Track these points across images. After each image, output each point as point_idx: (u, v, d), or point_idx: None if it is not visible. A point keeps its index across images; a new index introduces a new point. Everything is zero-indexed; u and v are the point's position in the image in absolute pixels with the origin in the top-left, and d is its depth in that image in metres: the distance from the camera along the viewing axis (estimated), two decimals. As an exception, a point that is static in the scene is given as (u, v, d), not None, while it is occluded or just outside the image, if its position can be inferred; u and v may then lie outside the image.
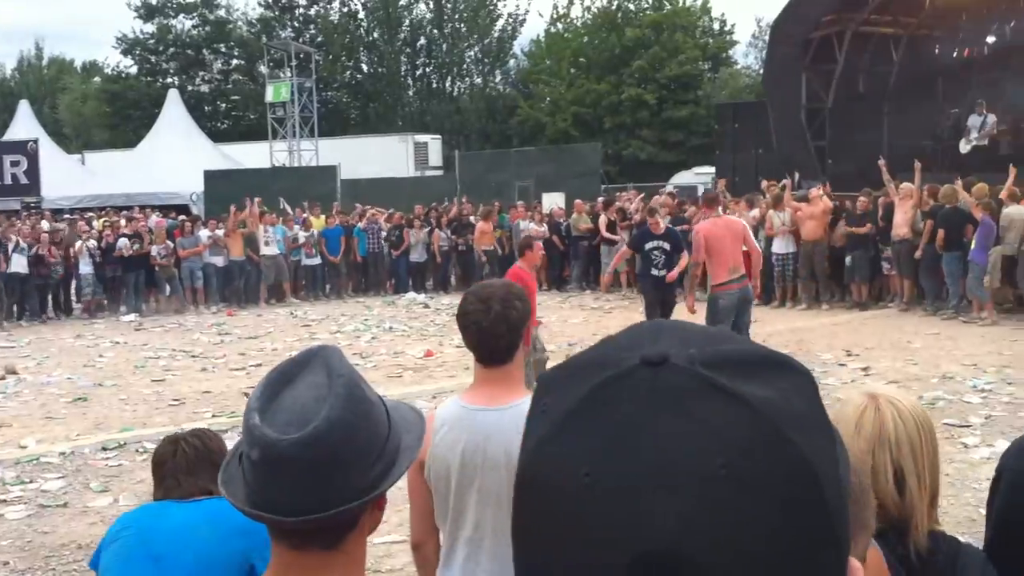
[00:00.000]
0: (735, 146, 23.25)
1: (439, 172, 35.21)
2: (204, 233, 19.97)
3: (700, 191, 25.80)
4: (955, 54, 23.07)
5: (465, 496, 3.05)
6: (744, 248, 10.01)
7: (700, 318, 9.66)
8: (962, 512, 6.47)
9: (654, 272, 11.68)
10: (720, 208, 10.44)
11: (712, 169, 26.41)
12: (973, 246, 14.33)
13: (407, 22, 47.80)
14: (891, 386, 2.35)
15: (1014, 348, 12.34)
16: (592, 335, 14.82)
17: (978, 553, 2.24)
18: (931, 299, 15.67)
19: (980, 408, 9.40)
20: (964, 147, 20.10)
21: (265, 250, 20.24)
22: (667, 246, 11.60)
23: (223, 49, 50.45)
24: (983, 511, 6.70)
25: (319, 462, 1.41)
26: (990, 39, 22.36)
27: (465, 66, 48.83)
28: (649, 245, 11.70)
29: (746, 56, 47.92)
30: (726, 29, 44.61)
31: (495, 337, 2.99)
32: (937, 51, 22.80)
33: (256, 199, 20.80)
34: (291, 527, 1.46)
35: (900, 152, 21.81)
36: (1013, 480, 2.16)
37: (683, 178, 32.28)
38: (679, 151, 39.70)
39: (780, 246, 16.91)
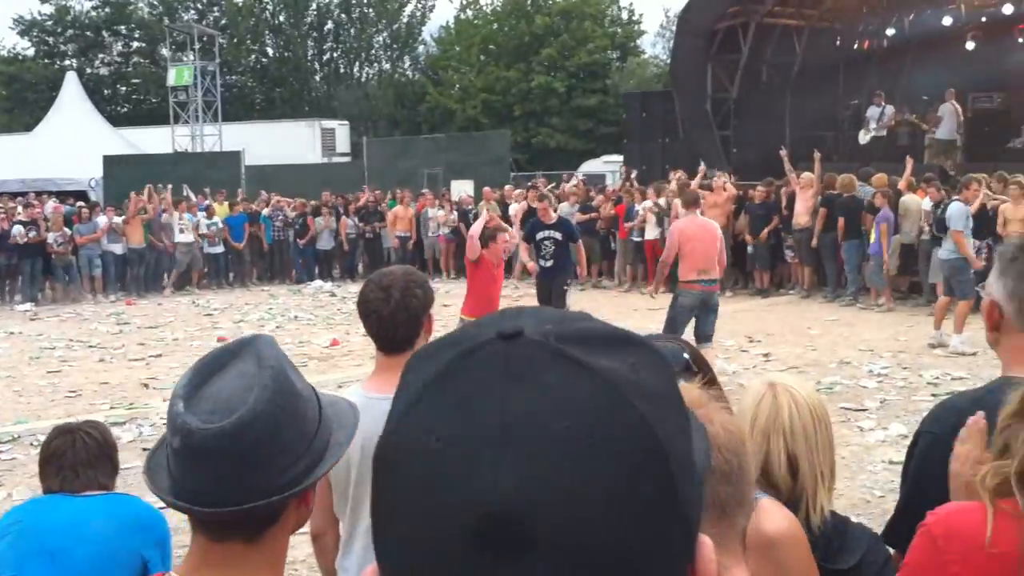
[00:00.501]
0: (643, 135, 23.44)
1: (347, 159, 34.80)
2: (102, 220, 19.42)
3: (609, 179, 26.02)
4: (855, 46, 23.63)
5: (364, 487, 3.00)
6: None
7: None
8: (857, 494, 6.62)
9: (541, 263, 11.26)
10: (697, 211, 10.19)
11: (621, 157, 26.60)
12: (873, 236, 14.66)
13: (314, 6, 47.10)
14: (790, 374, 2.41)
15: (909, 334, 12.69)
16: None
17: (867, 531, 2.35)
18: (831, 286, 16.03)
19: (876, 392, 9.64)
20: (863, 138, 20.61)
21: (180, 237, 19.84)
22: (558, 236, 11.25)
23: (123, 31, 49.07)
24: (878, 492, 6.87)
25: (241, 453, 1.38)
26: (889, 32, 22.96)
27: (373, 51, 48.37)
28: (540, 235, 11.32)
29: (654, 46, 48.40)
30: (634, 19, 45.00)
31: (395, 325, 2.97)
32: (838, 43, 23.30)
33: (169, 186, 20.38)
34: (208, 518, 1.42)
35: (802, 142, 22.26)
36: (928, 442, 2.24)
37: (592, 166, 32.47)
38: (588, 139, 39.94)
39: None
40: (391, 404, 0.74)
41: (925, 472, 2.20)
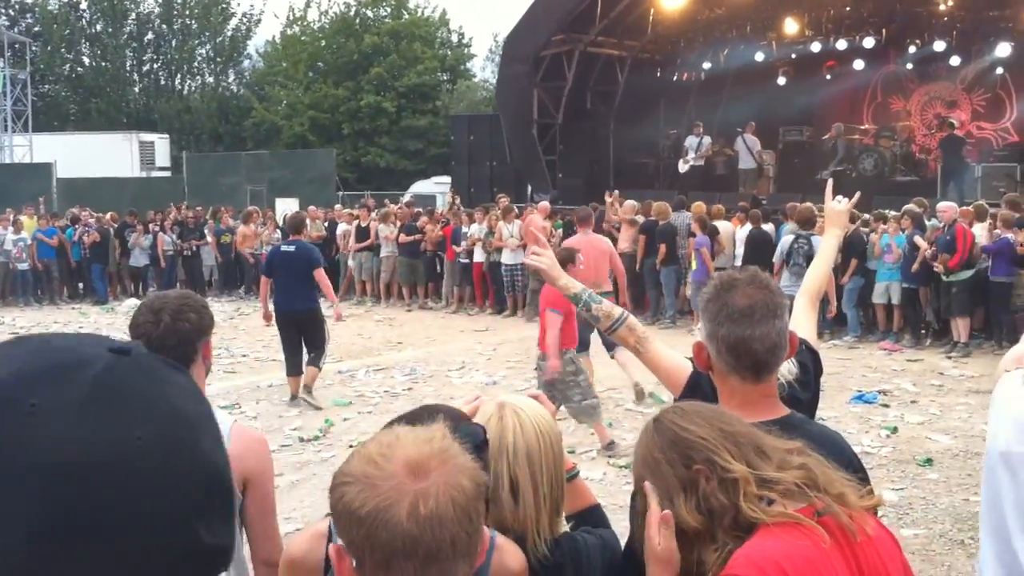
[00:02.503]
0: (470, 158, 23.59)
1: (167, 173, 33.64)
2: None
3: (439, 201, 26.01)
4: (675, 77, 24.43)
5: None
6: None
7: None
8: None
9: None
10: (590, 228, 10.61)
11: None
12: (694, 265, 15.11)
13: (133, 15, 45.42)
14: (523, 396, 2.36)
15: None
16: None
17: (599, 548, 2.28)
18: (652, 309, 16.44)
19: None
20: (682, 167, 21.33)
21: None
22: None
23: (-75, 33, 46.10)
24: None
25: None
26: (706, 65, 23.85)
27: (196, 64, 46.93)
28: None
29: (483, 70, 48.85)
30: (464, 42, 45.29)
31: (164, 350, 2.82)
32: (659, 74, 24.06)
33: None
34: None
35: (625, 168, 22.93)
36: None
37: (423, 187, 32.41)
38: (418, 160, 39.87)
39: (509, 257, 17.11)
40: None
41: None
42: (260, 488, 2.98)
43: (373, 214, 19.74)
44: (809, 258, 10.78)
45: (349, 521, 1.35)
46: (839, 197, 3.61)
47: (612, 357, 10.10)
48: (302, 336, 10.51)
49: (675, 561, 1.84)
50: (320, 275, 10.44)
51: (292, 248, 10.47)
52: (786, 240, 11.20)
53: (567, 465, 2.36)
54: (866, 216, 14.82)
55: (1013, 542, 2.35)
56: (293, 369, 10.54)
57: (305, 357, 10.55)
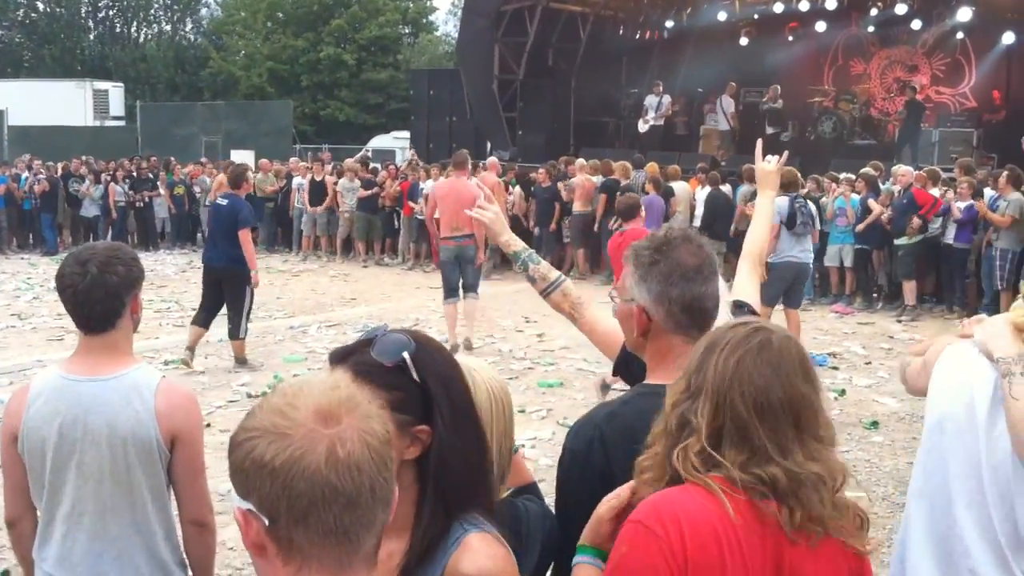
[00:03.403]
0: (430, 113, 23.37)
1: (121, 123, 33.04)
2: None
3: (399, 155, 25.80)
4: (638, 36, 24.25)
5: (63, 471, 2.85)
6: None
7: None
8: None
9: None
10: (464, 174, 10.86)
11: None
12: (643, 223, 15.04)
13: (89, -40, 44.48)
14: (474, 358, 2.38)
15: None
16: (276, 298, 14.41)
17: (540, 516, 2.27)
18: (608, 270, 16.38)
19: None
20: (642, 126, 21.22)
21: None
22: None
23: None
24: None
25: None
26: (669, 24, 23.67)
27: (153, 12, 46.04)
28: None
29: (446, 23, 48.34)
30: (426, -6, 44.80)
31: (90, 302, 2.81)
32: (621, 32, 23.85)
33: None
34: None
35: (586, 127, 22.81)
36: (569, 459, 2.23)
37: (382, 141, 32.15)
38: (378, 114, 39.52)
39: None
40: None
41: (567, 488, 2.19)
42: (189, 446, 2.93)
43: (328, 167, 19.49)
44: (811, 218, 10.75)
45: (260, 476, 1.29)
46: (768, 157, 3.55)
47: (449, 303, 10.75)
48: (223, 294, 10.05)
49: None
50: (244, 236, 9.81)
51: (225, 202, 10.08)
52: (782, 201, 10.76)
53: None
54: (822, 179, 14.86)
55: (953, 509, 2.34)
56: (199, 319, 10.04)
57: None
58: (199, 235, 20.62)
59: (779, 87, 20.77)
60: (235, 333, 10.12)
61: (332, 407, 1.32)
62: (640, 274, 2.28)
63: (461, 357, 2.28)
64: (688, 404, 1.86)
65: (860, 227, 13.76)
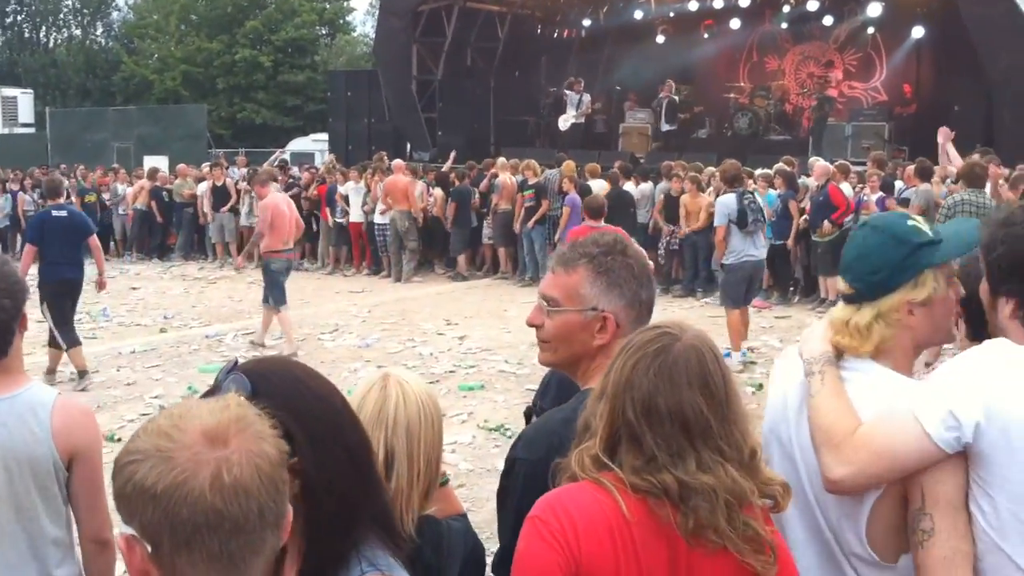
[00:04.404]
0: (348, 115, 23.13)
1: (31, 130, 32.19)
2: None
3: (318, 158, 25.50)
4: (556, 35, 24.30)
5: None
6: None
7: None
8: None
9: None
10: (274, 187, 11.92)
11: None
12: (563, 222, 15.01)
13: (-6, -37, 43.24)
14: (405, 368, 2.30)
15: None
16: (191, 307, 14.11)
17: (461, 534, 2.25)
18: (531, 269, 16.32)
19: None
20: (563, 124, 21.27)
21: None
22: None
23: None
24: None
25: None
26: (586, 22, 23.78)
27: (62, 16, 44.93)
28: None
29: (364, 24, 47.94)
30: (342, -5, 44.39)
31: None
32: (539, 31, 23.88)
33: None
34: None
35: (506, 126, 22.79)
36: (526, 471, 2.14)
37: (301, 144, 31.80)
38: (297, 116, 39.09)
39: (380, 218, 16.77)
40: None
41: (528, 501, 2.04)
42: (88, 463, 2.84)
43: (232, 170, 19.10)
44: (761, 213, 10.48)
45: (142, 501, 1.23)
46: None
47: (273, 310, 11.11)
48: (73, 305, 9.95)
49: None
50: (95, 242, 10.00)
51: (64, 213, 9.80)
52: (728, 199, 10.09)
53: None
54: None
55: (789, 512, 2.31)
56: (73, 340, 9.82)
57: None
58: (112, 243, 20.15)
59: (673, 83, 20.97)
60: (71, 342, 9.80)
61: (220, 428, 1.27)
62: (608, 280, 2.23)
63: (396, 369, 2.30)
64: (593, 407, 1.87)
65: (790, 240, 13.84)
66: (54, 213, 9.84)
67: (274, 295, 11.11)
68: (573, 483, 1.83)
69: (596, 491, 1.79)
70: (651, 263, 2.31)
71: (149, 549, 1.25)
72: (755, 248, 10.35)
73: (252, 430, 1.30)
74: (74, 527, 2.90)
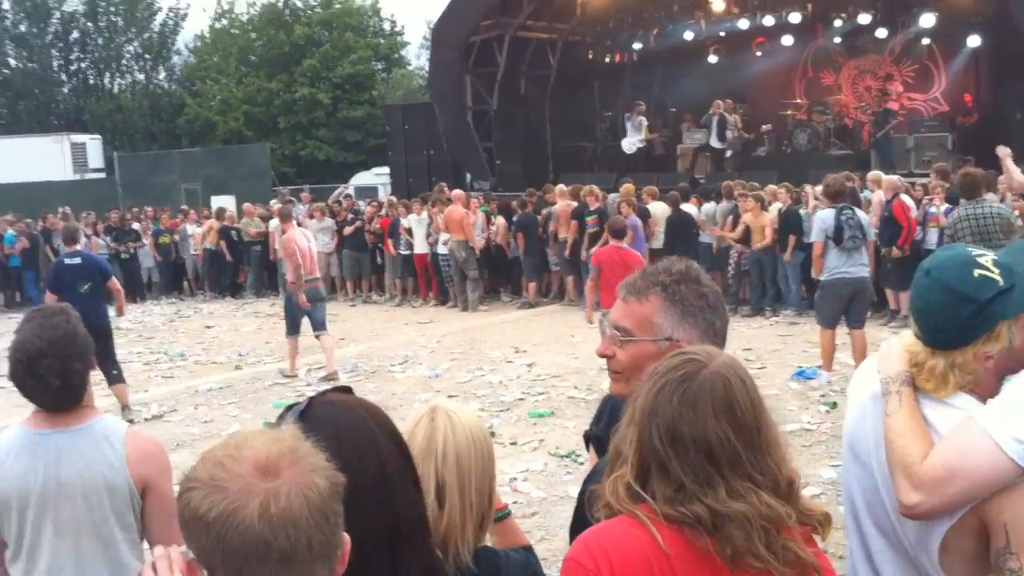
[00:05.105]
0: (407, 147, 23.43)
1: (101, 175, 33.06)
2: None
3: (381, 191, 25.86)
4: (607, 59, 24.42)
5: (40, 530, 2.84)
6: None
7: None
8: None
9: None
10: (295, 223, 12.51)
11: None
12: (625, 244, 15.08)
13: (57, 14, 44.40)
14: (455, 401, 2.36)
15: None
16: (265, 343, 14.40)
17: (520, 561, 2.26)
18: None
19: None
20: (629, 148, 21.38)
21: None
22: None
23: None
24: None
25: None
26: (636, 45, 23.86)
27: (125, 61, 46.04)
28: None
29: (418, 57, 48.45)
30: (396, 30, 44.89)
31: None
32: (591, 56, 24.01)
33: None
34: None
35: (563, 152, 22.92)
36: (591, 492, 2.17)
37: (363, 179, 32.27)
38: (358, 151, 39.56)
39: (442, 248, 16.96)
40: None
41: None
42: (160, 491, 2.96)
43: (298, 207, 19.44)
44: (861, 229, 9.90)
45: (197, 528, 1.29)
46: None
47: (318, 337, 11.79)
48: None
49: None
50: (114, 284, 10.05)
51: (78, 260, 9.88)
52: (827, 215, 9.89)
53: (498, 505, 2.32)
54: (798, 191, 14.96)
55: (860, 518, 2.34)
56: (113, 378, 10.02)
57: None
58: (184, 283, 20.64)
59: (720, 102, 20.76)
60: (121, 377, 10.07)
61: (272, 459, 1.31)
62: (682, 309, 2.18)
63: (445, 401, 2.32)
64: (623, 432, 1.86)
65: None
66: (67, 261, 9.98)
67: (287, 323, 11.96)
68: (609, 519, 1.81)
69: (632, 526, 1.77)
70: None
71: (205, 574, 1.31)
72: (852, 265, 9.93)
73: (305, 462, 1.33)
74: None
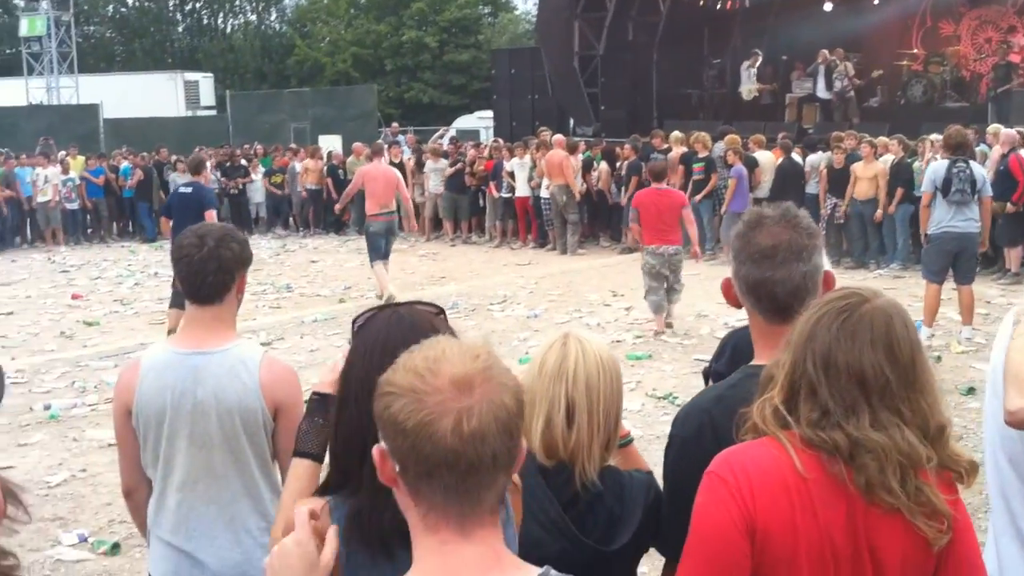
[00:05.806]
0: (512, 92, 23.42)
1: (212, 112, 33.85)
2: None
3: (483, 135, 25.96)
4: (718, 6, 23.94)
5: (175, 442, 3.01)
6: None
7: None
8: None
9: None
10: (383, 159, 13.35)
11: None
12: (729, 195, 14.95)
13: (175, -46, 45.44)
14: (587, 330, 2.43)
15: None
16: (367, 279, 14.68)
17: (643, 480, 2.35)
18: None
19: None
20: (747, 95, 21.09)
21: (40, 196, 19.46)
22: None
23: (-29, -23, 46.45)
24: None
25: None
26: (751, -8, 23.34)
27: (238, 2, 46.90)
28: None
29: (525, 2, 48.26)
30: (505, -26, 44.77)
31: (204, 272, 2.97)
32: (702, 3, 23.57)
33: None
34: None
35: (669, 99, 22.64)
36: (678, 446, 2.24)
37: (466, 122, 32.34)
38: (462, 95, 39.71)
39: (546, 192, 17.01)
40: None
41: (680, 476, 2.18)
42: (291, 416, 3.01)
43: (404, 149, 19.59)
44: (972, 184, 9.52)
45: (394, 431, 1.41)
46: None
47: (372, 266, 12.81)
48: None
49: None
50: (210, 216, 10.01)
51: (189, 189, 10.45)
52: (938, 166, 9.62)
53: (622, 432, 2.42)
54: (914, 143, 14.57)
55: (996, 453, 2.46)
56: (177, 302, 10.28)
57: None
58: (290, 219, 21.10)
59: (826, 52, 20.19)
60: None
61: (468, 377, 1.41)
62: (732, 249, 2.28)
63: (577, 329, 2.42)
64: (778, 357, 1.91)
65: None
66: (181, 190, 10.68)
67: (370, 253, 12.75)
68: (754, 440, 1.85)
69: (774, 447, 1.81)
70: (792, 246, 2.19)
71: (397, 468, 1.43)
72: (960, 220, 9.59)
73: (496, 381, 1.42)
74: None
